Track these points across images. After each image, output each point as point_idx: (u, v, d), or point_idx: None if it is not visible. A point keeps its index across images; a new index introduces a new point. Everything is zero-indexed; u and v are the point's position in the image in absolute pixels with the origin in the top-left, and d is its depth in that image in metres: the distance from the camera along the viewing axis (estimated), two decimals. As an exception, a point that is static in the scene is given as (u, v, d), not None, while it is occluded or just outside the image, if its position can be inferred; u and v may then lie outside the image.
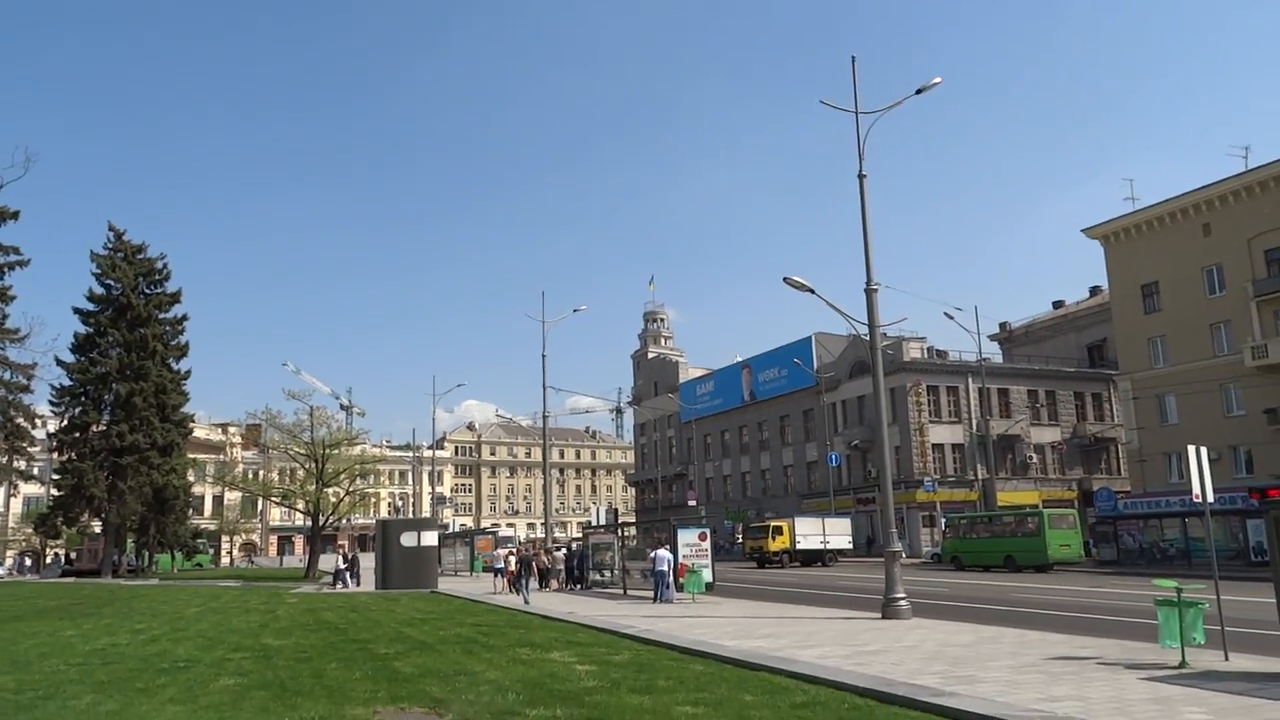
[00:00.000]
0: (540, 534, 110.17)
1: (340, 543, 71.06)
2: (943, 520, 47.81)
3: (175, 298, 51.49)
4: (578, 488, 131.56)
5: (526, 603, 22.69)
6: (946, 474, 53.30)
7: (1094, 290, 63.33)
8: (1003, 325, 67.09)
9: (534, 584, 26.73)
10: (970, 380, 54.09)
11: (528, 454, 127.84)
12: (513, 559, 29.73)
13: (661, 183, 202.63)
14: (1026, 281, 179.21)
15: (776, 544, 45.08)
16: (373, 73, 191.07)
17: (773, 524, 46.61)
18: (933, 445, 53.18)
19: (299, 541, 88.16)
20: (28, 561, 61.49)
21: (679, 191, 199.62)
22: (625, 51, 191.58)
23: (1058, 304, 66.74)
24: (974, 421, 53.81)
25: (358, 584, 34.29)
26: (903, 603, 17.04)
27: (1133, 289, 45.15)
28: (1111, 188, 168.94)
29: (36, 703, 9.39)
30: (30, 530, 60.10)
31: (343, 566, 35.66)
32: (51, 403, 48.78)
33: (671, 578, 22.55)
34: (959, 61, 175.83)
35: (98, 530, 52.45)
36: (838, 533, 46.60)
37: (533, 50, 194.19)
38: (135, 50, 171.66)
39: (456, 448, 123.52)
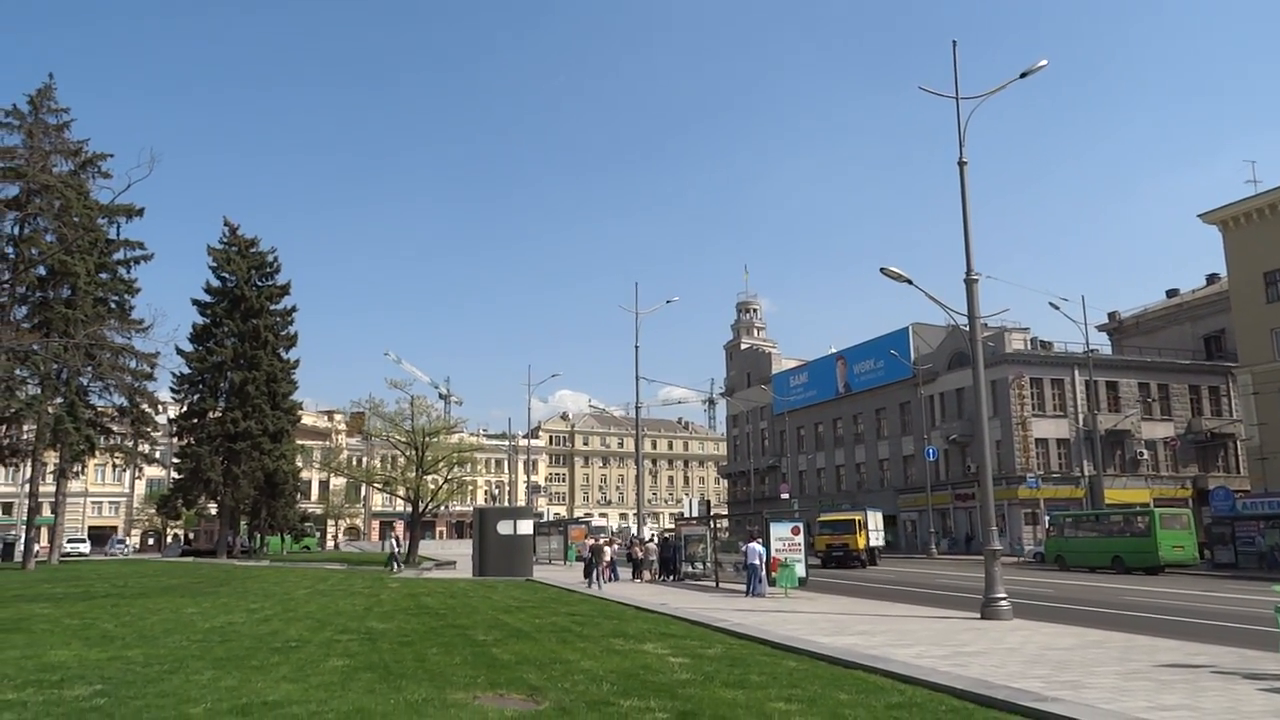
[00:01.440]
0: (632, 524, 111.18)
1: (395, 528, 72.69)
2: (1046, 518, 46.28)
3: (285, 290, 53.72)
4: (670, 479, 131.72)
5: (600, 589, 23.18)
6: (1051, 470, 51.56)
7: (1211, 278, 60.34)
8: (1112, 315, 64.45)
9: (617, 573, 27.07)
10: (1077, 373, 52.15)
11: (620, 444, 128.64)
12: (607, 549, 30.10)
13: (753, 168, 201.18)
14: (1138, 269, 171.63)
15: (861, 541, 39.81)
16: (468, 45, 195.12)
17: (853, 516, 41.99)
18: (1036, 440, 51.51)
19: (400, 527, 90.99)
20: (150, 541, 65.08)
21: (770, 178, 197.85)
22: (715, 31, 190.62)
23: (1172, 293, 63.80)
24: (1080, 416, 51.89)
25: (401, 568, 35.39)
26: (1003, 603, 16.62)
27: (1254, 277, 42.78)
28: (1231, 169, 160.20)
29: (163, 676, 9.99)
30: (153, 511, 63.47)
31: (396, 549, 36.80)
32: (172, 390, 51.41)
33: (764, 571, 22.47)
34: (1059, 34, 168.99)
35: (214, 512, 55.06)
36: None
37: (623, 25, 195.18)
38: (239, 30, 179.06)
39: (551, 437, 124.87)
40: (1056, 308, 44.67)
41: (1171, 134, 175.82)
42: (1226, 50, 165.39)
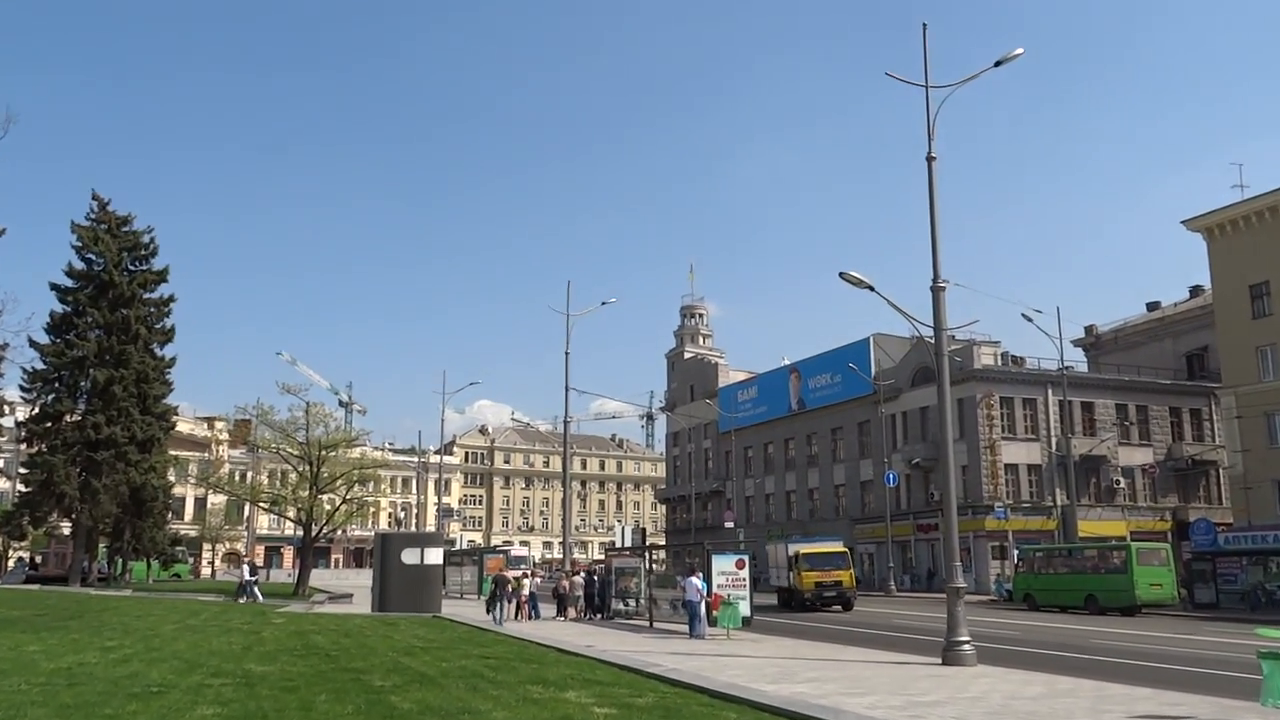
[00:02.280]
0: (557, 553, 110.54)
1: (246, 555, 71.45)
2: (1015, 552, 47.32)
3: (162, 276, 52.00)
4: (601, 503, 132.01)
5: (500, 624, 23.42)
6: (1020, 499, 52.78)
7: (1195, 291, 62.44)
8: (1088, 329, 66.34)
9: (538, 609, 27.03)
10: (1050, 392, 53.51)
11: (546, 463, 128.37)
12: (526, 581, 29.90)
13: (705, 164, 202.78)
14: (1116, 280, 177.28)
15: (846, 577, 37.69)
16: (385, 34, 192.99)
17: (841, 548, 40.17)
18: (1005, 465, 52.70)
19: (288, 554, 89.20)
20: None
21: (724, 175, 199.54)
22: (666, 18, 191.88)
23: (1152, 306, 65.89)
24: (1053, 439, 53.22)
25: (257, 598, 34.90)
26: (966, 647, 16.89)
27: (1240, 290, 44.40)
28: (1217, 174, 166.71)
29: (-5, 729, 9.55)
30: (-7, 530, 61.08)
31: (250, 578, 36.17)
32: (22, 388, 49.08)
33: (704, 610, 22.52)
34: (1040, 31, 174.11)
35: (67, 532, 53.11)
36: None
37: (564, 13, 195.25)
38: (127, 3, 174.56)
39: (467, 454, 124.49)
40: (1029, 320, 45.77)
41: (1155, 135, 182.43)
42: (1214, 48, 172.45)
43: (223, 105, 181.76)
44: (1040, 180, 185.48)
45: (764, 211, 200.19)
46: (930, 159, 18.98)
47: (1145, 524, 53.60)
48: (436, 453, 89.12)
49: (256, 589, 36.11)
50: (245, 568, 37.67)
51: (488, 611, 28.15)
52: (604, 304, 42.45)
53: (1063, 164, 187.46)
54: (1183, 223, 47.17)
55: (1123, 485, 54.31)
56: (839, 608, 36.59)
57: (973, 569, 50.42)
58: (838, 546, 40.67)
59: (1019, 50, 19.31)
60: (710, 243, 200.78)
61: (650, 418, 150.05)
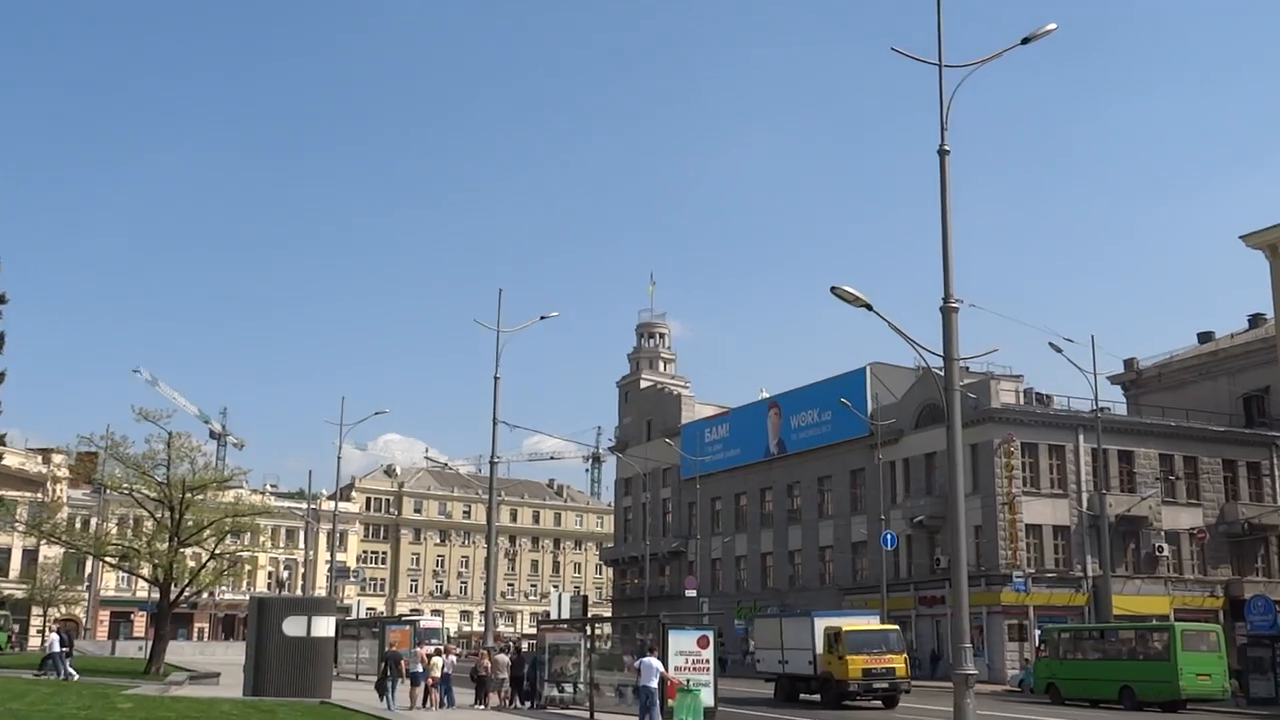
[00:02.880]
0: (479, 625, 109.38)
1: (57, 620, 70.25)
2: (1037, 632, 47.65)
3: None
4: (534, 564, 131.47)
5: (391, 710, 23.68)
6: (1044, 567, 53.26)
7: (1255, 320, 63.49)
8: (1128, 364, 67.31)
9: (452, 696, 26.73)
10: (1082, 438, 54.14)
11: (467, 513, 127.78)
12: (438, 660, 29.55)
13: (670, 156, 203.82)
14: (1162, 305, 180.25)
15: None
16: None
17: (889, 625, 38.86)
18: (1027, 526, 53.19)
19: (140, 621, 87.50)
20: None
21: (692, 169, 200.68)
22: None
23: (1204, 337, 67.01)
24: (1085, 496, 53.83)
25: (71, 675, 34.32)
26: (978, 748, 16.90)
27: (1309, 323, 45.29)
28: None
29: None
30: None
31: (59, 649, 35.52)
32: None
33: (659, 699, 22.36)
34: (1072, 9, 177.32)
35: None
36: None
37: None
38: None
39: (369, 500, 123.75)
40: (1058, 350, 46.20)
41: (1209, 129, 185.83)
42: (1276, 29, 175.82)
43: (47, 69, 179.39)
44: (1071, 184, 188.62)
45: (740, 214, 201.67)
46: (943, 153, 19.18)
47: (1192, 600, 54.30)
48: (331, 498, 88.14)
49: (68, 664, 35.33)
50: (54, 637, 36.80)
51: (380, 697, 27.84)
52: (543, 318, 42.33)
53: (1098, 164, 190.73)
54: (1241, 238, 48.07)
55: (1166, 553, 54.96)
56: (879, 703, 34.67)
57: (985, 652, 50.67)
58: (889, 625, 39.34)
59: (1051, 25, 19.62)
60: (675, 249, 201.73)
61: (597, 460, 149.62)
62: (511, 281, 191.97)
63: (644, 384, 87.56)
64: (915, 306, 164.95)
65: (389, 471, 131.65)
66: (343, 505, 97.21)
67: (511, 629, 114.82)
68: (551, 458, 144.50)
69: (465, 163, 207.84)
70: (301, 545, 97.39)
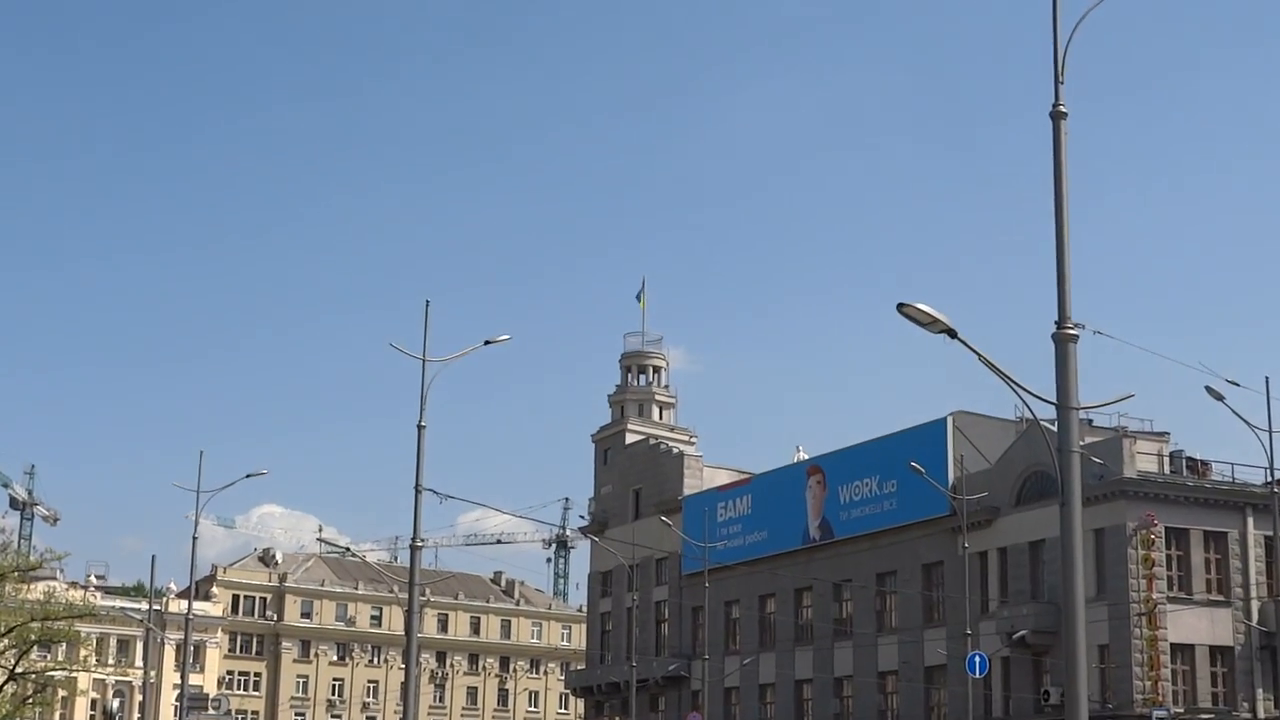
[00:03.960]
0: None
1: None
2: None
3: None
4: (472, 692, 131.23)
5: None
6: (1197, 703, 53.17)
7: None
8: (1319, 418, 67.40)
9: None
10: (1251, 522, 54.15)
11: (377, 619, 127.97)
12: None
13: (673, 121, 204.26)
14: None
15: None
16: None
17: None
18: (1173, 647, 53.07)
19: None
20: None
21: (702, 141, 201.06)
22: None
23: None
24: (1255, 605, 53.73)
25: None
26: None
27: None
28: None
29: None
30: None
31: None
32: None
33: None
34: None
35: None
36: None
37: None
38: None
39: (238, 599, 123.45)
40: (1219, 398, 45.92)
41: None
42: None
43: None
44: (1228, 162, 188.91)
45: (764, 204, 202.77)
46: (1058, 115, 19.12)
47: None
48: (183, 595, 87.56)
49: None
50: None
51: None
52: (488, 343, 42.20)
53: (1262, 141, 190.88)
54: None
55: (1371, 686, 54.91)
56: None
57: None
58: None
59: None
60: (674, 249, 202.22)
61: (563, 545, 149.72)
62: (446, 298, 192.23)
63: (631, 438, 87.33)
64: (1007, 338, 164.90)
65: (266, 559, 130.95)
66: (200, 606, 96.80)
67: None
68: (499, 541, 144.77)
69: (406, 145, 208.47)
70: (140, 662, 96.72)
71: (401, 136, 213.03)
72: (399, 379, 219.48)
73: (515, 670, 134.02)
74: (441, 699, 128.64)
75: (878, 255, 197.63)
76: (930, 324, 19.60)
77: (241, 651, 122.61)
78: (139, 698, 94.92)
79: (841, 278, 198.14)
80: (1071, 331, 18.55)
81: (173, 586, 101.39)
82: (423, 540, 40.33)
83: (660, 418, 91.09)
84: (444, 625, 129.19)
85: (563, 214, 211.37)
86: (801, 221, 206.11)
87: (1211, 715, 53.06)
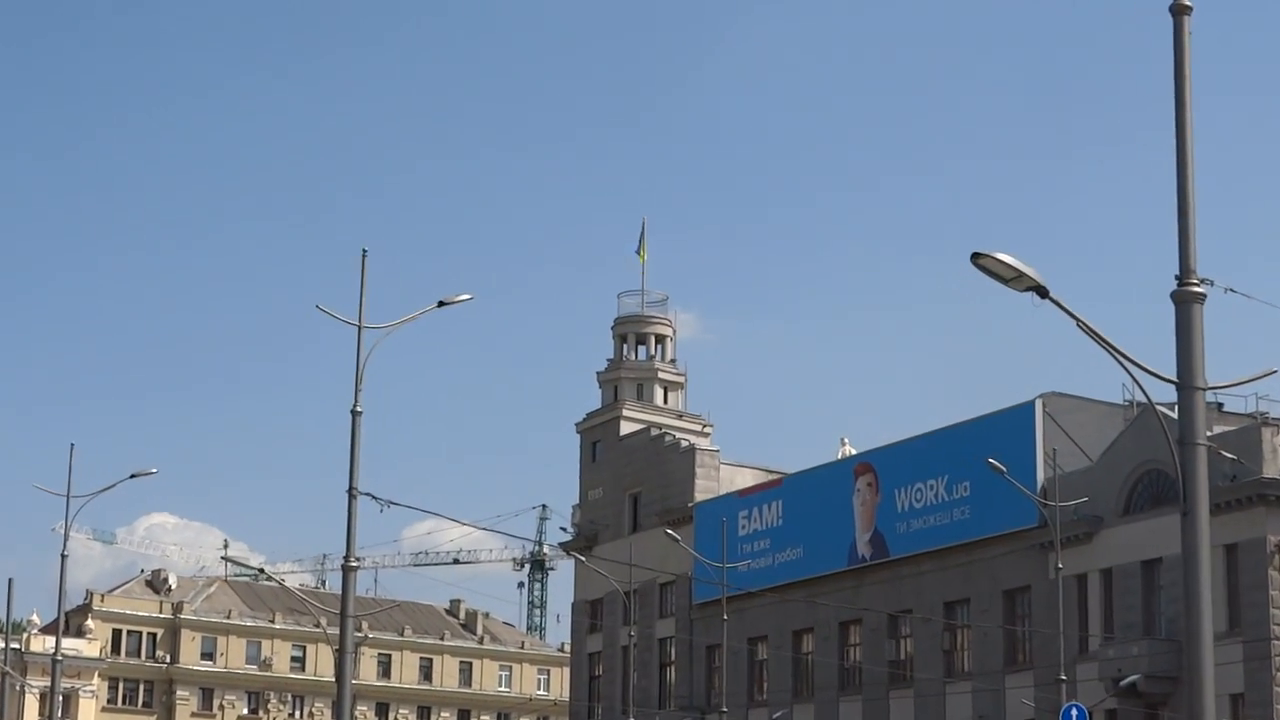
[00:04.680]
0: None
1: None
2: None
3: None
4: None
5: None
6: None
7: None
8: None
9: None
10: None
11: (299, 660, 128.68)
12: None
13: (690, 25, 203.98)
14: None
15: None
16: None
17: None
18: (1328, 694, 53.29)
19: None
20: None
21: (721, 52, 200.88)
22: None
23: None
24: None
25: None
26: None
27: None
28: None
29: None
30: None
31: None
32: None
33: None
34: None
35: None
36: None
37: None
38: None
39: (120, 635, 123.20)
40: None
41: None
42: None
43: None
44: None
45: (795, 127, 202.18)
46: (1180, 8, 19.13)
47: None
48: (49, 630, 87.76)
49: None
50: None
51: None
52: (443, 305, 42.18)
53: None
54: None
55: None
56: None
57: None
58: None
59: None
60: (683, 186, 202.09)
61: (539, 566, 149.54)
62: (392, 251, 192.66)
63: (627, 428, 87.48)
64: (1109, 304, 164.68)
65: (156, 583, 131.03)
66: (71, 644, 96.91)
67: None
68: (457, 561, 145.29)
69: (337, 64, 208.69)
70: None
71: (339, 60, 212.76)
72: (330, 351, 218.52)
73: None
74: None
75: (942, 199, 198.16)
76: (1013, 279, 19.25)
77: (125, 702, 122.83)
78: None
79: (896, 226, 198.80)
80: (1197, 289, 18.17)
81: (36, 619, 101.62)
82: (358, 559, 40.44)
83: (665, 401, 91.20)
84: (386, 669, 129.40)
85: (541, 141, 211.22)
86: (845, 157, 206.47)
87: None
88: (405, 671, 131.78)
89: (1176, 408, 19.18)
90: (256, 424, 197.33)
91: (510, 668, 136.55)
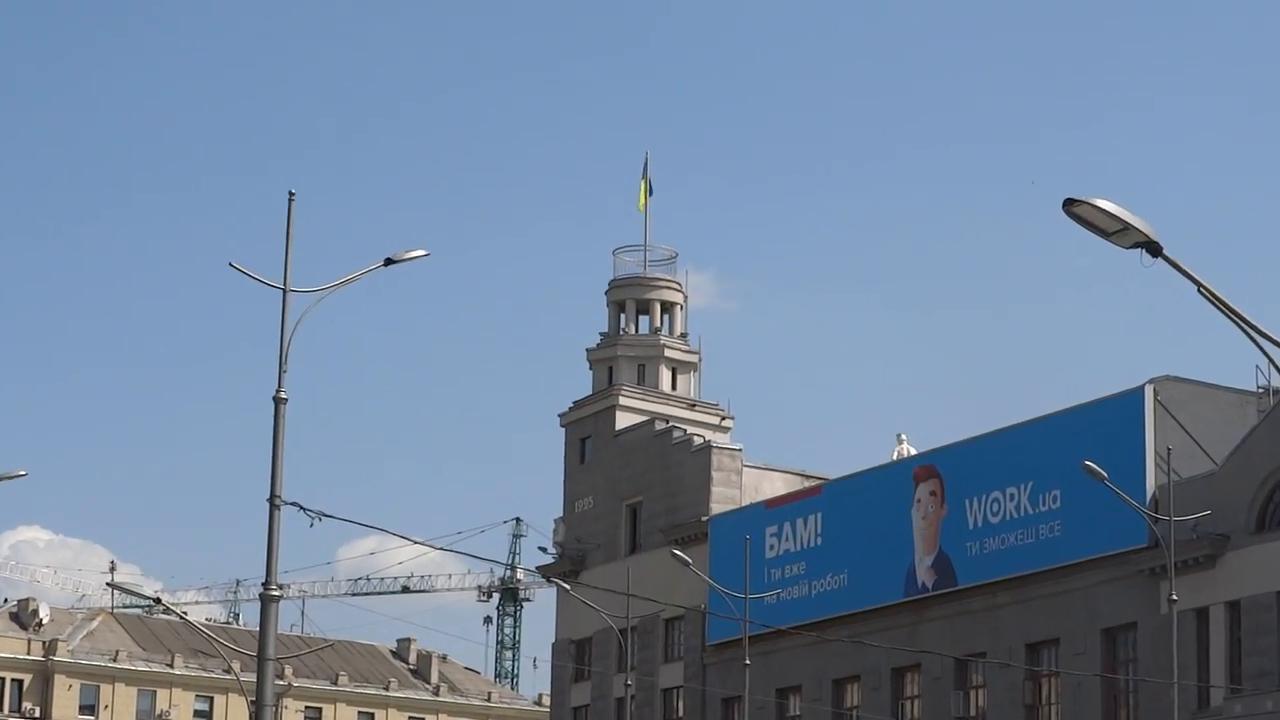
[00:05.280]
0: None
1: None
2: None
3: None
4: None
5: None
6: None
7: None
8: None
9: None
10: None
11: (204, 714, 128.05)
12: None
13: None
14: None
15: None
16: None
17: None
18: None
19: None
20: None
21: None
22: None
23: None
24: None
25: None
26: None
27: None
28: None
29: None
30: None
31: None
32: None
33: None
34: None
35: None
36: None
37: None
38: None
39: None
40: None
41: None
42: None
43: None
44: None
45: (835, 45, 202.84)
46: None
47: None
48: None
49: None
50: None
51: None
52: (390, 263, 41.70)
53: None
54: None
55: None
56: None
57: None
58: None
59: None
60: (694, 118, 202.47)
61: (510, 596, 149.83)
62: (331, 199, 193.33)
63: (625, 420, 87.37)
64: (1230, 270, 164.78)
65: (23, 616, 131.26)
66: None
67: None
68: (406, 589, 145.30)
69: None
70: None
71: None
72: (248, 325, 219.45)
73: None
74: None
75: (1015, 136, 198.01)
76: (1117, 233, 18.75)
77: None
78: None
79: (964, 166, 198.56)
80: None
81: None
82: (281, 586, 39.93)
83: (673, 386, 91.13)
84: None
85: (516, 66, 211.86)
86: (900, 81, 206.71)
87: None
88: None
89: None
90: (152, 417, 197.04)
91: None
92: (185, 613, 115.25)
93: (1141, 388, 63.49)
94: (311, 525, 40.55)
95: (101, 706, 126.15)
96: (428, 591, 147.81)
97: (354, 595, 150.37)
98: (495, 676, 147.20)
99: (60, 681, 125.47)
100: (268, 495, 38.14)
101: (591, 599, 79.87)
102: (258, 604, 40.60)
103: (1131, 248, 18.25)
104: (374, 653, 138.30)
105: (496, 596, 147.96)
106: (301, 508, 40.59)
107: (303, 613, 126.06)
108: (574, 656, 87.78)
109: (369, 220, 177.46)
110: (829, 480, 77.17)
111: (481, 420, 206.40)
